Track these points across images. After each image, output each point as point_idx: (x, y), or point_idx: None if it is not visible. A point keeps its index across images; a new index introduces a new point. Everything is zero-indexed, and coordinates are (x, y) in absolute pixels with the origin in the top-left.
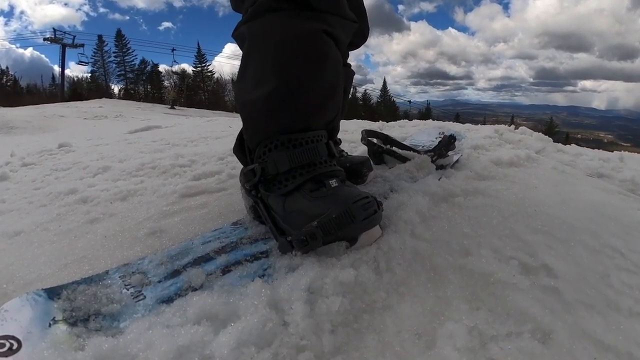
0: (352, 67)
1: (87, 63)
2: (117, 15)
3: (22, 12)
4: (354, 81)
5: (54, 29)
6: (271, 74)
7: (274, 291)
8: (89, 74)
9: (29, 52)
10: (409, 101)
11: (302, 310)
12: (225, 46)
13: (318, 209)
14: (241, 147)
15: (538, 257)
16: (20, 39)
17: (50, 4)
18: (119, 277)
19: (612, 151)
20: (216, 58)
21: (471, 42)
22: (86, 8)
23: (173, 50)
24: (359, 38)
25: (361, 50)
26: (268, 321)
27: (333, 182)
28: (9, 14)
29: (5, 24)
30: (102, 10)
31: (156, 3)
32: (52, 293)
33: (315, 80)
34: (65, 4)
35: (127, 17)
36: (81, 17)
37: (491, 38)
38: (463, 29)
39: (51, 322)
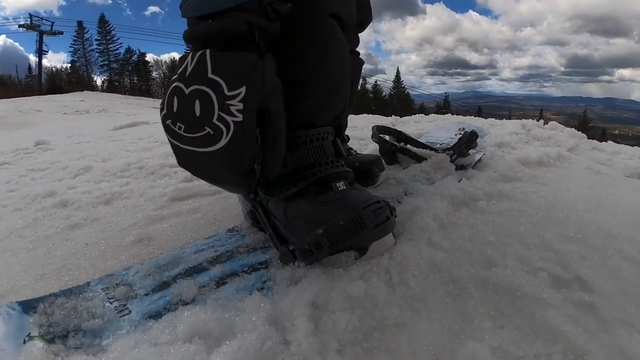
0: (361, 56)
1: (46, 52)
2: (97, 0)
3: None
4: (363, 71)
5: (30, 14)
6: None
7: (274, 306)
8: (69, 65)
9: (1, 40)
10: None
11: (305, 327)
12: None
13: (324, 215)
14: None
15: (571, 269)
16: None
17: None
18: (102, 289)
19: None
20: None
21: (494, 27)
22: None
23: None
24: (365, 12)
25: (371, 36)
26: (267, 339)
27: (340, 185)
28: None
29: None
30: None
31: None
32: (28, 306)
33: (321, 72)
34: None
35: (110, 1)
36: (58, 1)
37: (517, 22)
38: (485, 11)
39: (26, 339)
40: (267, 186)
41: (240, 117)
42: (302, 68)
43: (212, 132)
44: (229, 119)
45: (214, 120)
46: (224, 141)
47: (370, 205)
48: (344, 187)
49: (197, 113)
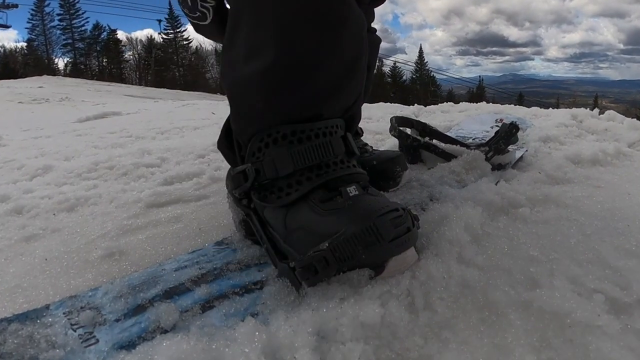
0: (377, 33)
1: (7, 26)
2: None
3: None
4: (381, 52)
5: None
6: (270, 40)
7: (271, 335)
8: (25, 44)
9: None
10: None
11: None
12: None
13: (331, 226)
14: (228, 141)
15: (632, 290)
16: None
17: None
18: (64, 313)
19: None
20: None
21: None
22: None
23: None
24: None
25: (387, 7)
26: None
27: (352, 190)
28: None
29: None
30: None
31: None
32: None
33: (331, 52)
34: None
35: None
36: None
37: None
38: None
39: None
40: (263, 190)
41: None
42: None
43: (200, 15)
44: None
45: (199, 8)
46: (209, 19)
47: (388, 213)
48: (356, 193)
49: (189, 4)
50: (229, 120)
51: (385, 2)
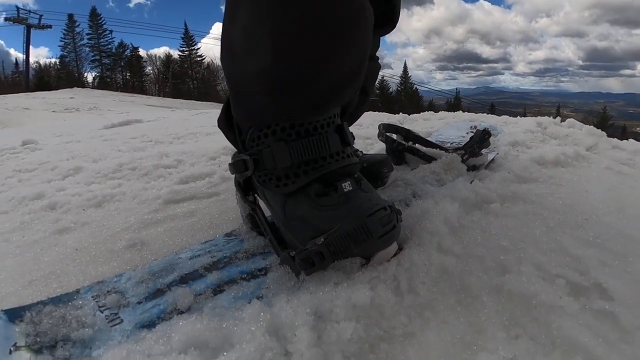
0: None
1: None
2: None
3: None
4: None
5: (17, 7)
6: (267, 40)
7: (274, 315)
8: (58, 60)
9: None
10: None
11: (307, 337)
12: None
13: (326, 222)
14: (228, 122)
15: (590, 275)
16: None
17: None
18: (92, 297)
19: None
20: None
21: (507, 17)
22: None
23: None
24: (390, 14)
25: None
26: (267, 350)
27: (346, 186)
28: None
29: None
30: None
31: None
32: (14, 315)
33: (335, 59)
34: None
35: None
36: None
37: (531, 11)
38: (497, 1)
39: (12, 349)
40: (262, 175)
41: None
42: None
43: None
44: None
45: None
46: None
47: (377, 212)
48: (350, 188)
49: None
50: (229, 101)
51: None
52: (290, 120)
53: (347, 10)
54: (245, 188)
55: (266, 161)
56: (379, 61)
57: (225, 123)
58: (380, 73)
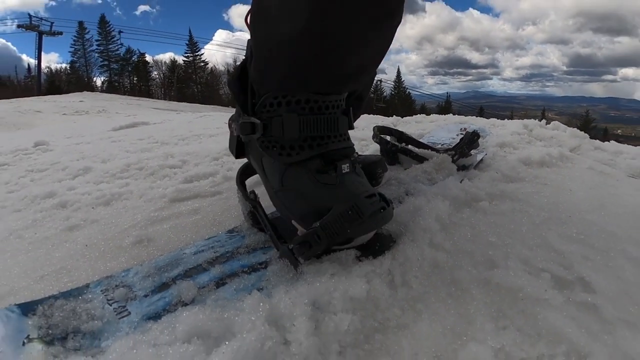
0: None
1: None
2: None
3: None
4: None
5: (29, 14)
6: (305, 6)
7: (274, 306)
8: (69, 65)
9: None
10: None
11: (306, 327)
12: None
13: (321, 199)
14: (242, 84)
15: (573, 270)
16: None
17: None
18: (101, 291)
19: None
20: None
21: (495, 25)
22: None
23: None
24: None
25: None
26: (267, 339)
27: (345, 167)
28: None
29: None
30: None
31: None
32: (27, 308)
33: (366, 43)
34: None
35: (99, 1)
36: (44, 1)
37: (518, 20)
38: (486, 9)
39: (25, 341)
40: (265, 140)
41: None
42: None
43: None
44: None
45: None
46: None
47: (367, 198)
48: (347, 170)
49: None
50: (246, 63)
51: None
52: (307, 94)
53: (389, 2)
54: (238, 149)
55: (274, 129)
56: (381, 66)
57: (238, 84)
58: (375, 78)
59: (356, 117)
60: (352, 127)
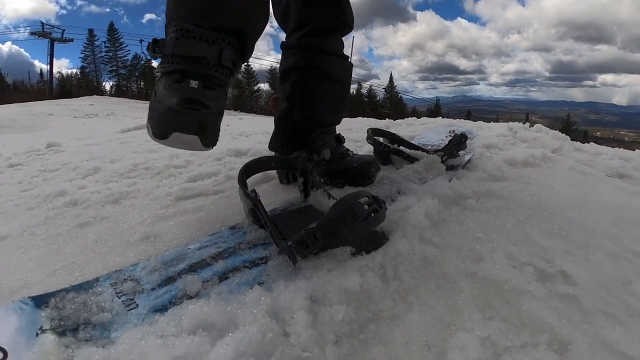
0: (354, 60)
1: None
2: (93, 8)
3: None
4: (358, 76)
5: (42, 22)
6: None
7: (274, 299)
8: (79, 70)
9: (6, 47)
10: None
11: (304, 319)
12: None
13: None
14: None
15: (555, 263)
16: None
17: None
18: (110, 284)
19: (634, 150)
20: None
21: (482, 33)
22: (63, 1)
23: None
24: (340, 23)
25: (364, 43)
26: (268, 331)
27: (194, 84)
28: None
29: None
30: (79, 2)
31: None
32: (40, 301)
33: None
34: None
35: (107, 10)
36: (55, 9)
37: (504, 28)
38: (473, 18)
39: (38, 332)
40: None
41: None
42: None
43: None
44: None
45: None
46: None
47: (361, 199)
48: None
49: None
50: None
51: (362, 38)
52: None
53: None
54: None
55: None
56: (374, 72)
57: None
58: (368, 83)
59: (345, 105)
60: (224, 66)
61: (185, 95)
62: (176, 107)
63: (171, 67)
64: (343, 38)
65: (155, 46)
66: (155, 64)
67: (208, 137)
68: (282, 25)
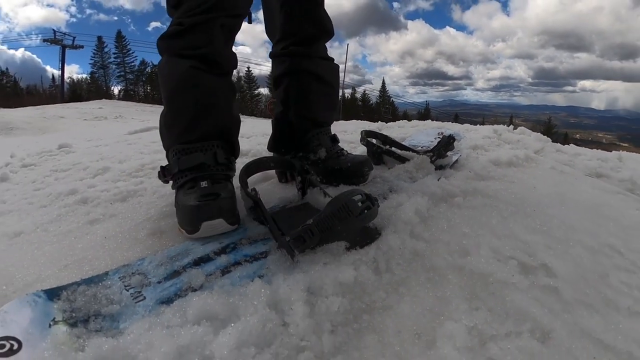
0: (348, 67)
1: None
2: (102, 16)
3: (6, 15)
4: (352, 81)
5: (53, 30)
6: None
7: (273, 291)
8: (89, 76)
9: (20, 53)
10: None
11: (301, 310)
12: None
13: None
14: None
15: (537, 257)
16: (9, 41)
17: (30, 5)
18: (119, 278)
19: (611, 151)
20: None
21: (469, 41)
22: (73, 9)
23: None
24: (320, 31)
25: (357, 50)
26: (268, 321)
27: (204, 183)
28: None
29: None
30: (88, 11)
31: (143, 3)
32: (52, 294)
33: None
34: (49, 5)
35: (115, 18)
36: (65, 17)
37: (490, 37)
38: (461, 27)
39: (51, 323)
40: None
41: None
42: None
43: None
44: None
45: None
46: None
47: (355, 197)
48: (206, 185)
49: None
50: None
51: (356, 46)
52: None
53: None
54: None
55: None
56: (368, 77)
57: None
58: (362, 88)
59: (335, 105)
60: (221, 163)
61: (201, 193)
62: (197, 203)
63: (182, 180)
64: (334, 45)
65: (164, 172)
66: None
67: (230, 217)
68: (269, 36)
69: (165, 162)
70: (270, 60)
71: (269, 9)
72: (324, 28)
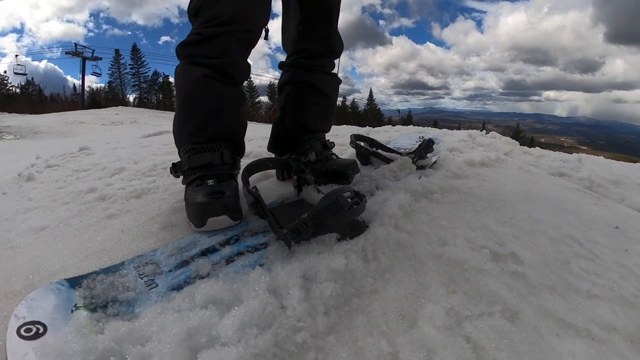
0: (341, 78)
1: (99, 74)
2: (117, 31)
3: (29, 30)
4: (342, 90)
5: (75, 43)
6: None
7: (272, 278)
8: (107, 85)
9: (43, 64)
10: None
11: (298, 295)
12: None
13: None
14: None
15: (506, 246)
16: (32, 53)
17: (52, 20)
18: (134, 267)
19: (572, 153)
20: None
21: (447, 56)
22: (90, 25)
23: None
24: (327, 50)
25: (347, 62)
26: (268, 305)
27: (211, 182)
28: (20, 30)
29: (17, 40)
30: (104, 26)
31: (154, 19)
32: (74, 282)
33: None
34: (68, 21)
35: (129, 33)
36: (83, 32)
37: (465, 51)
38: (440, 43)
39: (73, 309)
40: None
41: None
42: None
43: None
44: None
45: None
46: None
47: (345, 193)
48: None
49: None
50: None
51: (346, 59)
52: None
53: (205, 87)
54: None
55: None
56: (357, 87)
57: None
58: (351, 97)
59: (331, 115)
60: (227, 163)
61: (207, 191)
62: (204, 200)
63: (191, 177)
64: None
65: (175, 168)
66: (172, 79)
67: (233, 213)
68: (285, 49)
69: (174, 161)
70: (275, 71)
71: (287, 28)
72: (331, 48)
